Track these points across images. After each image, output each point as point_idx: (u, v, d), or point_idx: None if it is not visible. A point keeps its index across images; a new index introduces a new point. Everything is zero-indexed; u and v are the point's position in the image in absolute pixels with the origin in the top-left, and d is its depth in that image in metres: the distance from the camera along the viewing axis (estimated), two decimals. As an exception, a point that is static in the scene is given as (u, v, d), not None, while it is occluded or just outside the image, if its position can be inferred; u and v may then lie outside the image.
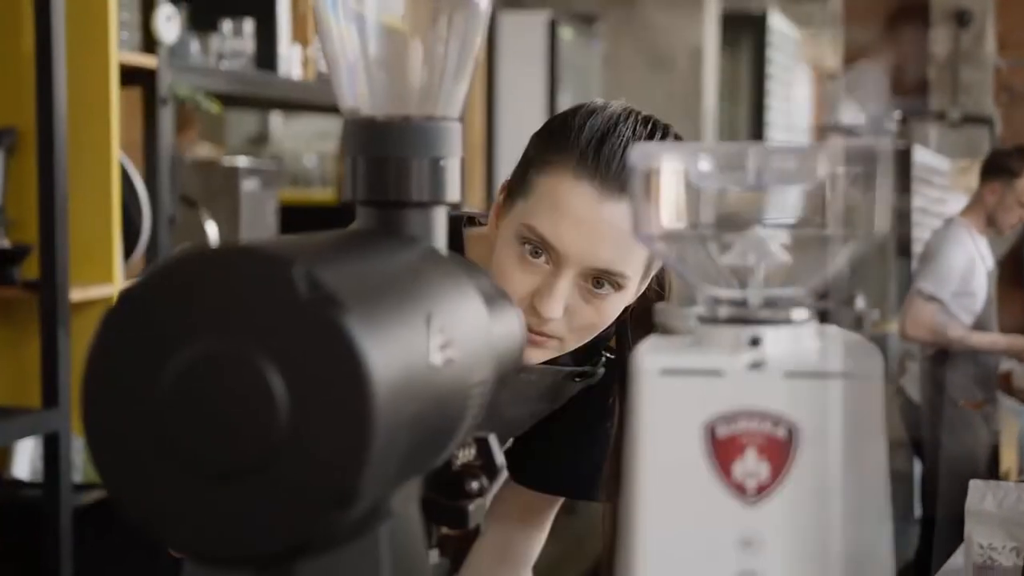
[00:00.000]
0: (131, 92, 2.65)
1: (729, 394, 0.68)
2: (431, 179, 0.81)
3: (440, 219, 0.82)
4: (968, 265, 4.35)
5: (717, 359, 0.69)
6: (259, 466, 0.61)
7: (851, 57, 10.00)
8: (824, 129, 6.96)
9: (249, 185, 3.04)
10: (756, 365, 0.68)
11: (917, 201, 6.92)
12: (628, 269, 1.25)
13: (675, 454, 0.69)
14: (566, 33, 4.72)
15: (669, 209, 0.72)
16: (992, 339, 4.47)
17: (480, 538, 1.50)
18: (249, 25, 3.02)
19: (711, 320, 0.71)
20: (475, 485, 0.87)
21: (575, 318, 1.26)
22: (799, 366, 0.68)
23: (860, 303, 6.31)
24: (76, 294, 2.40)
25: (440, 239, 0.82)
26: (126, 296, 0.64)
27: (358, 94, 0.82)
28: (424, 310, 0.69)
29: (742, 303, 0.71)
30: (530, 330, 1.25)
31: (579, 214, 1.23)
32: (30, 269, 2.38)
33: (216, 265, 0.63)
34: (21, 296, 2.40)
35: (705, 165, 0.71)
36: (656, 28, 5.46)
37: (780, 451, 0.68)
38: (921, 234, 7.40)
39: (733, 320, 0.71)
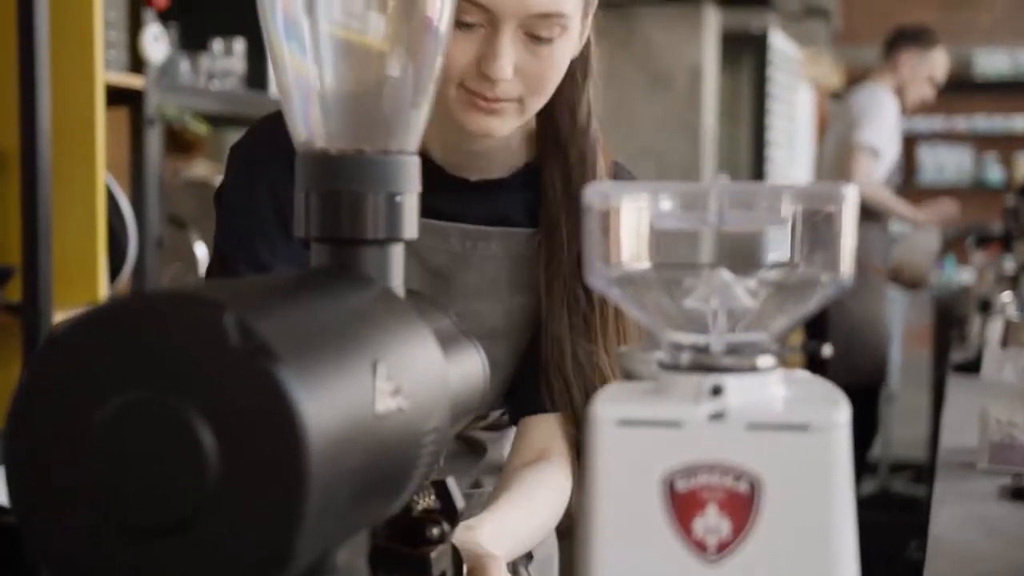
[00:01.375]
0: (118, 112, 2.62)
1: (689, 446, 0.65)
2: (387, 215, 0.78)
3: (397, 257, 0.79)
4: (892, 124, 4.39)
5: (676, 409, 0.66)
6: (186, 523, 0.57)
7: (853, 76, 10.02)
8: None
9: (240, 206, 3.00)
10: (717, 416, 0.65)
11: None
12: (566, 6, 1.21)
13: (633, 509, 0.65)
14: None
15: (627, 250, 0.69)
16: (907, 207, 4.55)
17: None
18: (240, 44, 3.00)
19: (672, 367, 0.68)
20: (435, 531, 0.84)
21: (527, 74, 1.22)
22: (762, 417, 0.65)
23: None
24: (60, 317, 2.37)
25: (396, 277, 0.79)
26: (54, 339, 0.61)
27: (312, 126, 0.79)
28: (370, 356, 0.66)
29: (704, 349, 0.68)
30: (484, 98, 1.22)
31: None
32: (13, 291, 2.35)
33: (148, 310, 0.60)
34: (4, 319, 2.37)
35: (666, 205, 0.68)
36: (655, 47, 5.44)
37: (742, 507, 0.65)
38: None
39: (695, 367, 0.67)
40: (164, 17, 2.73)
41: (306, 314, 0.66)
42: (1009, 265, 4.16)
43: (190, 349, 0.58)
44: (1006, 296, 3.12)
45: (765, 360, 0.68)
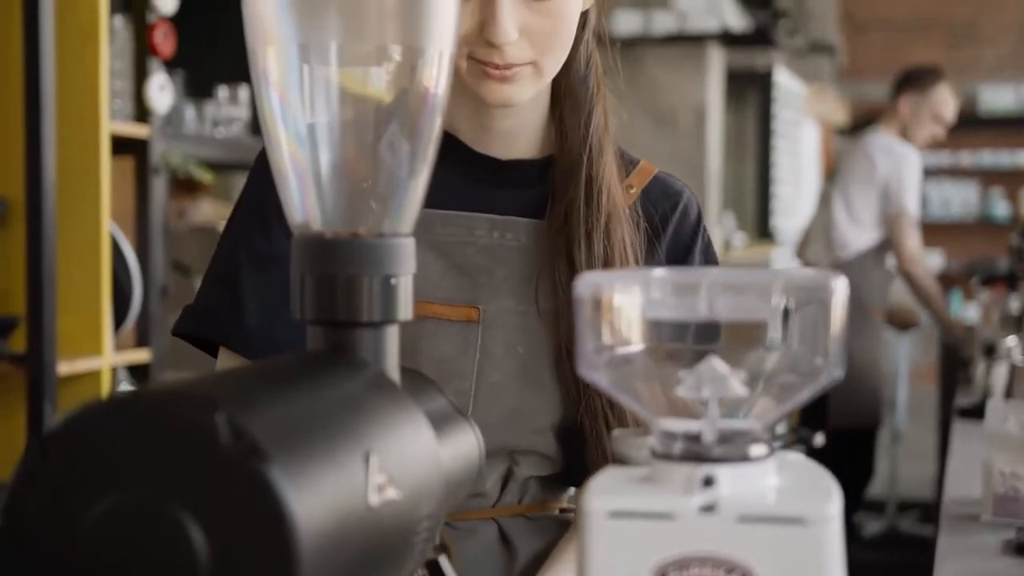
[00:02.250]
0: (123, 161, 2.63)
1: (680, 539, 0.65)
2: (382, 298, 0.78)
3: (392, 339, 0.79)
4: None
5: (668, 501, 0.66)
6: (177, 625, 0.57)
7: (858, 111, 10.05)
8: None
9: (245, 251, 3.01)
10: (708, 508, 0.65)
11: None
12: None
13: (625, 600, 0.65)
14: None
15: (619, 339, 0.69)
16: (945, 311, 4.61)
17: None
18: (245, 91, 3.02)
19: (664, 456, 0.68)
20: (431, 611, 0.84)
21: (534, 34, 1.17)
22: (754, 509, 0.65)
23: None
24: (64, 367, 2.37)
25: (391, 359, 0.79)
26: (46, 439, 0.61)
27: (308, 209, 0.80)
28: (362, 448, 0.66)
29: (696, 437, 0.68)
30: (495, 66, 1.17)
31: None
32: (18, 341, 2.36)
33: (138, 409, 0.60)
34: (8, 369, 2.38)
35: (656, 294, 0.68)
36: (660, 87, 5.46)
37: (734, 599, 0.64)
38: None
39: (687, 457, 0.67)
40: (170, 65, 2.75)
41: (298, 407, 0.66)
42: (1015, 305, 4.16)
43: (181, 449, 0.59)
44: (1011, 340, 3.12)
45: (757, 449, 0.68)
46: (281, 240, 1.24)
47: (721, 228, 6.12)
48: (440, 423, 0.79)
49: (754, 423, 0.69)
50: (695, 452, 0.67)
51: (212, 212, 3.81)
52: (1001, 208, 10.17)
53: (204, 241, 3.08)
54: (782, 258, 7.51)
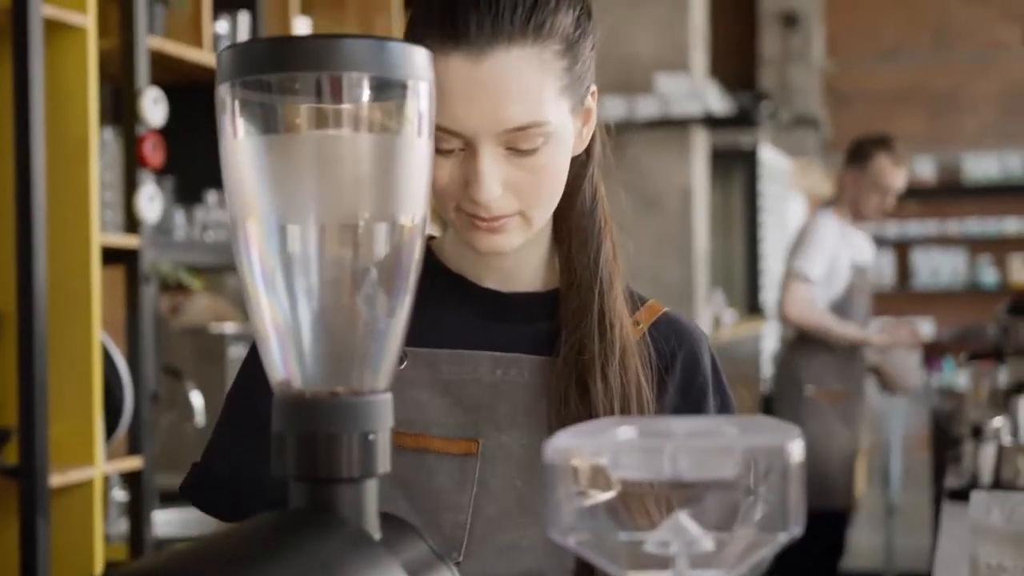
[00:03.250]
0: (114, 271, 2.67)
1: None
2: (361, 454, 0.81)
3: (371, 492, 0.82)
4: (835, 251, 4.44)
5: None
6: None
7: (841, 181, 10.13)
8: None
9: (236, 352, 3.05)
10: (677, 665, 0.68)
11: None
12: (542, 114, 1.15)
13: None
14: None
15: (587, 498, 0.72)
16: (853, 331, 4.56)
17: None
18: (233, 195, 3.06)
19: (635, 611, 0.71)
20: None
21: (519, 188, 1.16)
22: (720, 665, 0.67)
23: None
24: (56, 479, 2.39)
25: (371, 512, 0.82)
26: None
27: (288, 368, 0.83)
28: (342, 613, 0.69)
29: (665, 592, 0.71)
30: (482, 219, 1.16)
31: (459, 87, 1.13)
32: (10, 454, 2.38)
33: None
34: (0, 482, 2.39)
35: (624, 457, 0.71)
36: (646, 170, 5.52)
37: None
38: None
39: (657, 612, 0.70)
40: (159, 172, 2.80)
41: (280, 572, 0.68)
42: (1003, 379, 4.18)
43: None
44: (997, 421, 3.14)
45: (724, 602, 0.70)
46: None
47: (710, 306, 6.16)
48: (420, 570, 0.82)
49: (721, 574, 0.71)
50: (664, 607, 0.70)
51: (206, 308, 3.84)
52: (990, 275, 10.23)
53: (196, 343, 3.11)
54: (771, 333, 7.55)
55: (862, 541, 6.80)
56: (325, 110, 0.80)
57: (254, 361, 1.30)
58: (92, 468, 2.50)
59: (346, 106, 0.79)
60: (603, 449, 0.71)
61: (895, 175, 4.56)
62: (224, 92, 0.80)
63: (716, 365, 1.33)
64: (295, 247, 0.81)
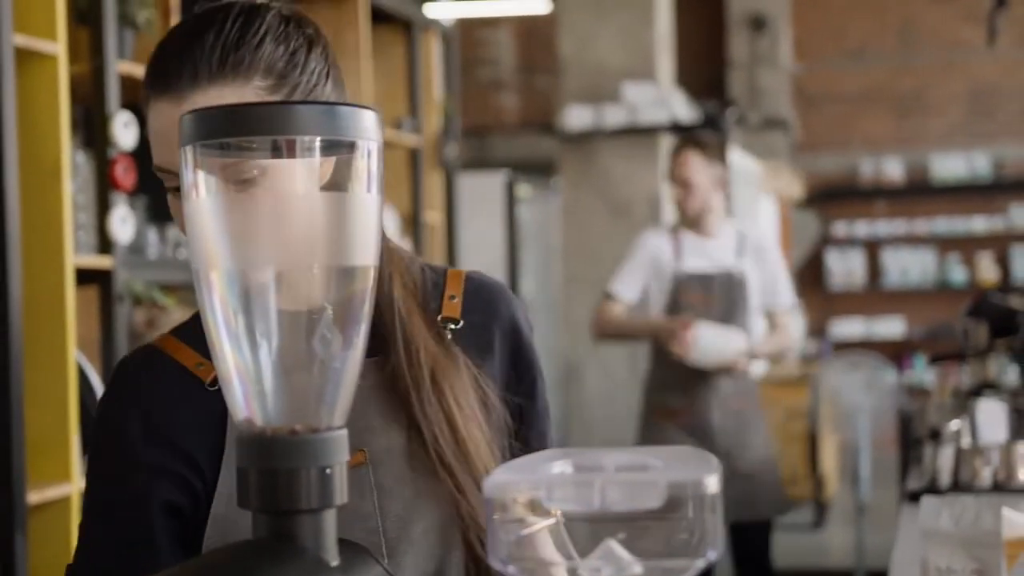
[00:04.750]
0: (88, 291, 2.72)
1: None
2: (319, 487, 0.87)
3: (329, 521, 0.88)
4: (653, 264, 4.22)
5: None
6: None
7: (813, 184, 10.25)
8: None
9: (209, 366, 3.09)
10: None
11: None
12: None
13: None
14: (523, 190, 4.85)
15: (523, 529, 0.78)
16: (643, 320, 4.29)
17: None
18: (205, 213, 3.12)
19: (568, 632, 0.77)
20: None
21: None
22: None
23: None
24: (33, 496, 2.44)
25: (330, 540, 0.88)
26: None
27: (250, 408, 0.89)
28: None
29: (597, 614, 0.77)
30: None
31: (167, 128, 1.19)
32: (-13, 473, 2.43)
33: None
34: (-22, 501, 2.44)
35: (557, 492, 0.77)
36: (614, 178, 5.60)
37: None
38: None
39: (588, 632, 0.77)
40: (132, 192, 2.85)
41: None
42: (966, 380, 4.26)
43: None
44: (955, 424, 3.20)
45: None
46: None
47: (681, 310, 6.23)
48: (376, 593, 0.88)
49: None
50: (595, 627, 0.77)
51: (178, 318, 3.89)
52: (958, 273, 10.35)
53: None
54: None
55: (833, 539, 6.90)
56: (280, 169, 0.86)
57: (125, 426, 1.28)
58: (69, 485, 2.55)
59: (300, 166, 0.85)
60: (539, 484, 0.78)
61: (673, 163, 4.25)
62: (187, 154, 0.86)
63: (528, 324, 1.39)
64: (254, 295, 0.87)
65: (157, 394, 1.28)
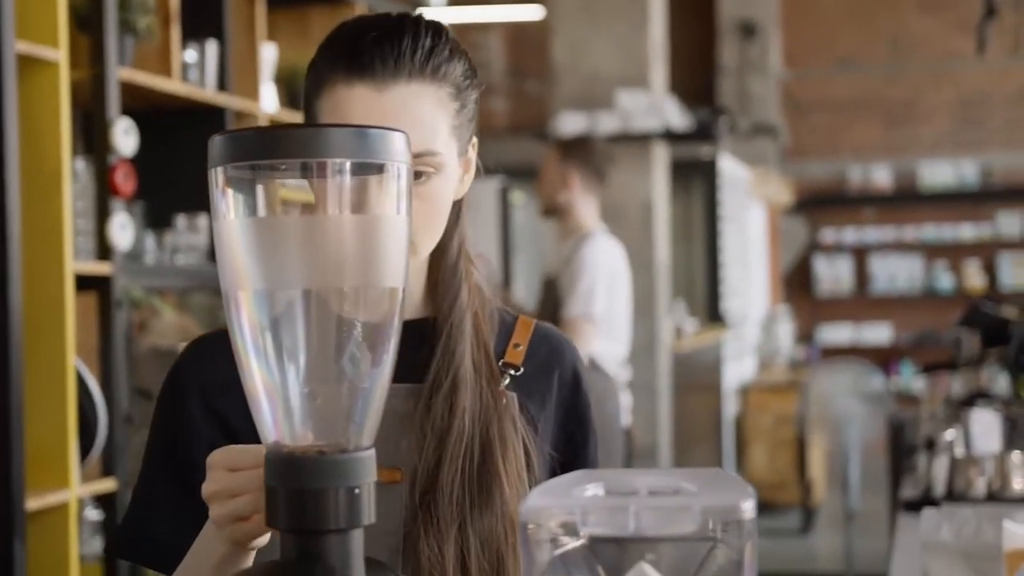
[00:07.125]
0: (87, 297, 2.72)
1: None
2: (347, 507, 0.88)
3: (357, 541, 0.89)
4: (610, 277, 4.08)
5: None
6: None
7: (802, 191, 10.27)
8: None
9: (205, 372, 3.08)
10: None
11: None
12: (436, 144, 1.23)
13: None
14: (517, 197, 4.85)
15: (557, 550, 0.79)
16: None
17: None
18: (203, 220, 3.12)
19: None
20: None
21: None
22: None
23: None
24: (32, 502, 2.44)
25: (357, 559, 0.88)
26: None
27: (279, 430, 0.89)
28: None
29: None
30: None
31: (361, 113, 1.21)
32: (-14, 479, 2.42)
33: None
34: (-24, 507, 2.43)
35: (591, 516, 0.78)
36: (607, 184, 5.59)
37: None
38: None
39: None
40: (131, 199, 2.85)
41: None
42: (956, 388, 4.26)
43: None
44: (950, 434, 3.20)
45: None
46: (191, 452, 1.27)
47: (672, 317, 6.25)
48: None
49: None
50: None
51: (173, 325, 3.88)
52: (945, 280, 10.38)
53: (164, 363, 3.15)
54: (732, 340, 7.65)
55: (820, 545, 6.91)
56: (311, 192, 0.86)
57: (172, 406, 1.30)
58: (67, 491, 2.55)
59: (330, 188, 0.86)
60: (573, 508, 0.78)
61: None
62: (217, 176, 0.87)
63: (588, 384, 1.40)
64: (283, 317, 0.88)
65: (218, 376, 1.24)
